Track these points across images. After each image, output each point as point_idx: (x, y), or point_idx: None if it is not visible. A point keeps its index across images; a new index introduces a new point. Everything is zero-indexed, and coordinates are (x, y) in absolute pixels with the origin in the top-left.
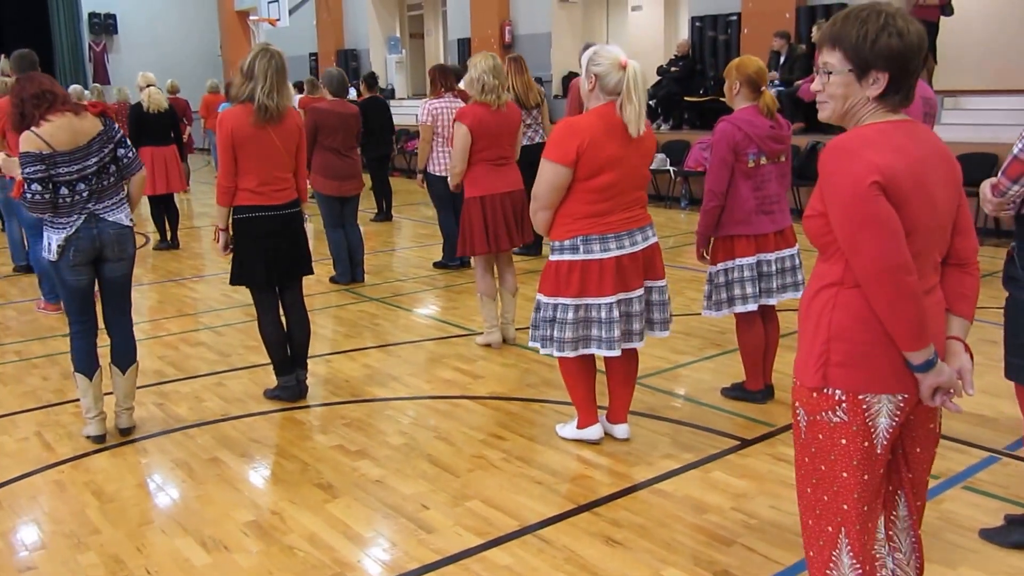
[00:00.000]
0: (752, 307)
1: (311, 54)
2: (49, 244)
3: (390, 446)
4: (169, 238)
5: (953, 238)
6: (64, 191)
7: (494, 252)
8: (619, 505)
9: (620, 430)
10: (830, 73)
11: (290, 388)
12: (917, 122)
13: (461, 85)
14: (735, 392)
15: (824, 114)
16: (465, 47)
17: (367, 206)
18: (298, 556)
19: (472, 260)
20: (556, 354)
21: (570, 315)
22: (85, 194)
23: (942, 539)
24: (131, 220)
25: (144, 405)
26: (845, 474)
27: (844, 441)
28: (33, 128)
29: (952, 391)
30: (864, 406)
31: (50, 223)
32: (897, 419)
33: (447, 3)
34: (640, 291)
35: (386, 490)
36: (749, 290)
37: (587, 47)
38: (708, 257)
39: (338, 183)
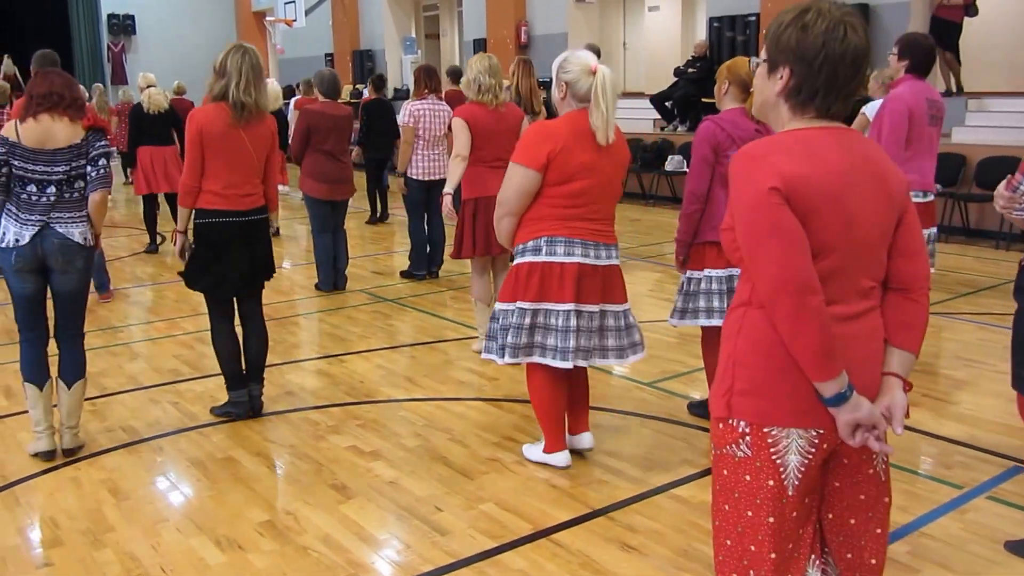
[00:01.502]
0: (716, 322)
1: (327, 55)
2: (4, 234)
3: (404, 447)
4: (159, 241)
5: (896, 260)
6: (17, 185)
7: (483, 255)
8: (634, 510)
9: (585, 439)
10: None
11: (242, 404)
12: (852, 131)
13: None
14: (700, 410)
15: (753, 107)
16: (481, 48)
17: (366, 206)
18: (312, 557)
19: (471, 263)
20: (506, 360)
21: (526, 320)
22: (42, 199)
23: (966, 551)
24: (84, 239)
25: (160, 403)
26: (750, 513)
27: (748, 478)
28: (18, 120)
29: (876, 429)
30: (770, 440)
31: (11, 214)
32: (811, 457)
33: (463, 4)
34: (594, 308)
35: (400, 492)
36: (716, 304)
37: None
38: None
39: (328, 187)
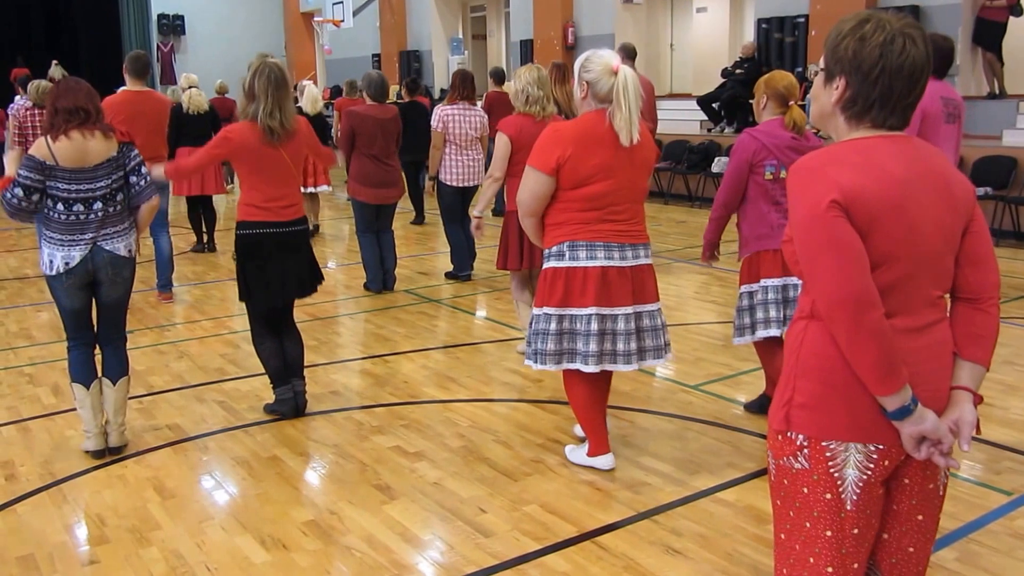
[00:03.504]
0: (775, 332)
1: (374, 55)
2: (51, 262)
3: (448, 448)
4: (205, 241)
5: (964, 269)
6: (61, 207)
7: (527, 268)
8: (679, 514)
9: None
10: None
11: (287, 401)
12: (913, 139)
13: (505, 88)
14: (756, 407)
15: (811, 116)
16: (527, 49)
17: (409, 207)
18: (355, 557)
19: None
20: (538, 367)
21: (552, 326)
22: (91, 217)
23: (1016, 558)
24: (130, 251)
25: (206, 402)
26: (808, 524)
27: (806, 490)
28: (49, 137)
29: (943, 444)
30: (828, 454)
31: (51, 239)
32: (871, 472)
33: (510, 4)
34: (627, 310)
35: (444, 492)
36: (773, 314)
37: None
38: (716, 258)
39: (373, 191)
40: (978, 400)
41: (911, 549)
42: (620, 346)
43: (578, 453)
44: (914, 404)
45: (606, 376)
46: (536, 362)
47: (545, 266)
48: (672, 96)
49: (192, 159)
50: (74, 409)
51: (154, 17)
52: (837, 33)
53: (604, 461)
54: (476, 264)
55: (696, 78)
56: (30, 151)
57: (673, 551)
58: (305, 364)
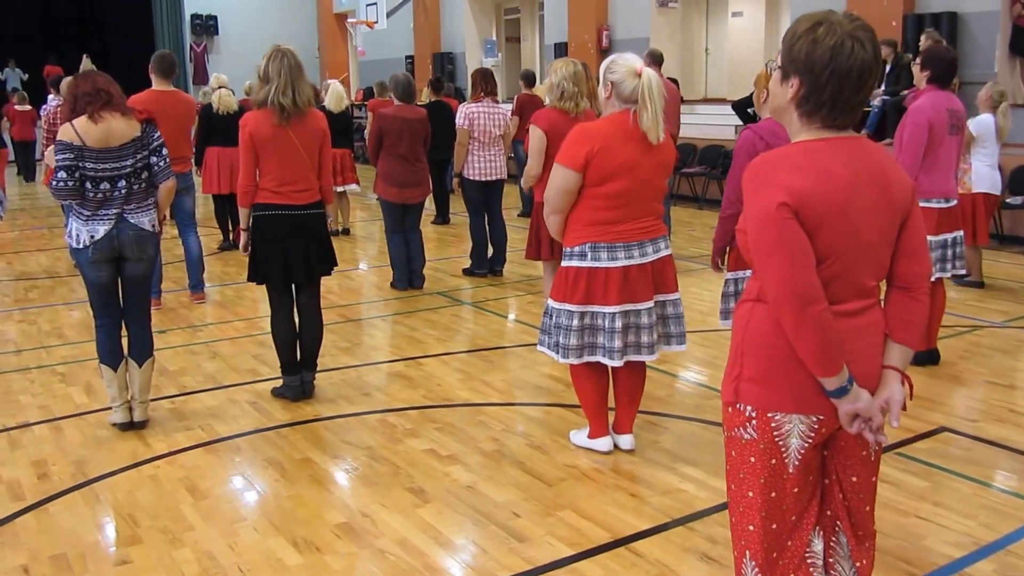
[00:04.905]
0: None
1: (407, 57)
2: (78, 235)
3: (482, 452)
4: (232, 238)
5: (899, 260)
6: (88, 186)
7: (559, 258)
8: (714, 520)
9: (624, 440)
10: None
11: (294, 388)
12: (860, 141)
13: (536, 91)
14: None
15: (768, 109)
16: (562, 52)
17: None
18: (389, 560)
19: (543, 265)
20: (561, 360)
21: (575, 322)
22: (116, 194)
23: None
24: (154, 226)
25: (238, 403)
26: (751, 493)
27: (753, 459)
28: (73, 120)
29: (873, 421)
30: (773, 424)
31: (79, 214)
32: (811, 440)
33: (544, 7)
34: (649, 303)
35: (477, 496)
36: None
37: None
38: (724, 267)
39: (399, 190)
40: (905, 381)
41: (846, 503)
42: (644, 338)
43: (580, 436)
44: (850, 384)
45: (616, 371)
46: (560, 356)
47: (567, 264)
48: (707, 101)
49: (240, 177)
50: (108, 408)
51: (187, 17)
52: (792, 34)
53: (603, 443)
54: (507, 268)
55: (731, 82)
56: (58, 137)
57: (708, 558)
58: (337, 367)
